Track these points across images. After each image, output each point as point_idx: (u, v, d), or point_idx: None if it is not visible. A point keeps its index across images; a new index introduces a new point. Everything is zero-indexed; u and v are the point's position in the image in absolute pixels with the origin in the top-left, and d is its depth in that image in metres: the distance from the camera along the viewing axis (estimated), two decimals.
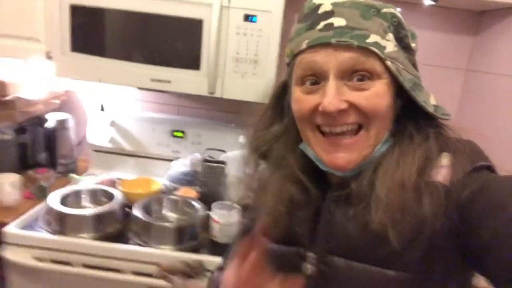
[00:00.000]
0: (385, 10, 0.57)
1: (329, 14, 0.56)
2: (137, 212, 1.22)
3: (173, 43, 1.29)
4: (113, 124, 1.64)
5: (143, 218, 1.19)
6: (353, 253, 0.57)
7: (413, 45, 0.59)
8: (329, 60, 0.54)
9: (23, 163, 1.52)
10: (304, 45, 0.56)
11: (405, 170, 0.54)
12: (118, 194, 1.32)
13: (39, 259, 1.17)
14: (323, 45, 0.54)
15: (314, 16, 0.57)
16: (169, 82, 1.32)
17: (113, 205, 1.25)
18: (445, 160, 0.55)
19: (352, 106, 0.55)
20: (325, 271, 0.60)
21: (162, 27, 1.28)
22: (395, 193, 0.53)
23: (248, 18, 1.28)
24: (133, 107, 1.74)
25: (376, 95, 0.55)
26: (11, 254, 1.18)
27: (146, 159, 1.64)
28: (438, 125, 0.59)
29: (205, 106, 1.72)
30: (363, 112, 0.55)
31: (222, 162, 1.40)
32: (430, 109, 0.56)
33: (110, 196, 1.31)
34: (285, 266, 0.63)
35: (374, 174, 0.56)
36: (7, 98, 1.46)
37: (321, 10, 0.56)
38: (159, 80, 1.32)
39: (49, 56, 1.39)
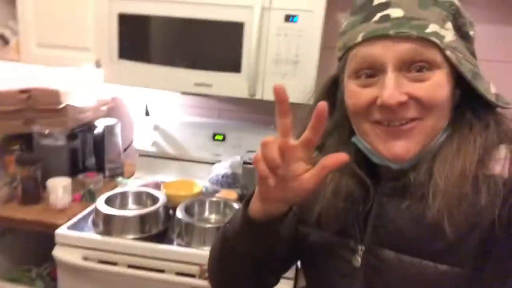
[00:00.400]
0: None
1: (385, 5, 0.54)
2: (180, 213, 1.23)
3: (214, 47, 1.31)
4: (156, 128, 1.68)
5: (186, 220, 1.20)
6: (404, 246, 0.56)
7: (471, 33, 0.57)
8: (387, 52, 0.53)
9: (74, 167, 1.59)
10: (359, 38, 0.55)
11: (466, 158, 0.52)
12: (162, 196, 1.34)
13: (87, 258, 1.21)
14: (380, 37, 0.53)
15: (368, 7, 0.56)
16: (210, 86, 1.34)
17: (157, 207, 1.27)
18: (503, 151, 0.53)
19: (412, 98, 0.53)
20: (375, 264, 0.59)
21: (204, 31, 1.30)
22: (454, 182, 0.51)
23: (289, 18, 1.27)
24: (175, 112, 1.78)
25: (436, 86, 0.53)
26: (62, 254, 1.23)
27: (188, 162, 1.66)
28: (498, 114, 0.56)
29: (245, 109, 1.72)
30: (422, 104, 0.53)
31: None
32: (492, 98, 0.55)
33: (154, 199, 1.34)
34: (336, 257, 0.63)
35: (433, 163, 0.55)
36: (60, 106, 1.54)
37: (376, 2, 0.55)
38: (201, 84, 1.34)
39: (98, 64, 1.45)
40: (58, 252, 1.23)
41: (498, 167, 0.52)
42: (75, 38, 1.48)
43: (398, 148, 0.55)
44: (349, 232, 0.62)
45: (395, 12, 0.53)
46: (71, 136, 1.59)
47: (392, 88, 0.52)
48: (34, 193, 1.40)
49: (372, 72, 0.55)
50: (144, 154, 1.71)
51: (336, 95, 0.64)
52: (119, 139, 1.68)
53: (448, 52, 0.53)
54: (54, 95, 1.54)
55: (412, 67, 0.53)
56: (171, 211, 1.31)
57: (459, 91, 0.56)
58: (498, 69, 1.51)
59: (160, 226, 1.25)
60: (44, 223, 1.32)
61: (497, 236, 0.51)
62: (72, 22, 1.46)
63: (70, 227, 1.27)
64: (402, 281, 0.56)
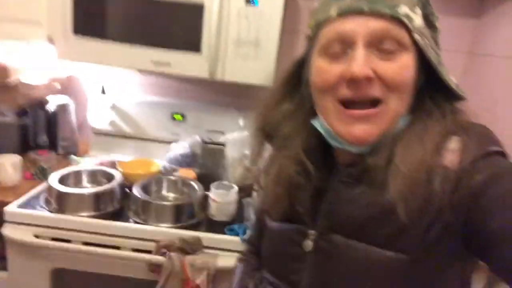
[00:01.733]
0: None
1: None
2: (136, 191, 1.23)
3: (174, 26, 1.30)
4: (113, 107, 1.64)
5: (142, 197, 1.20)
6: (354, 232, 0.57)
7: (437, 24, 0.59)
8: (359, 28, 0.53)
9: (24, 145, 1.53)
10: (333, 13, 0.55)
11: (426, 145, 0.53)
12: (117, 174, 1.33)
13: (39, 236, 1.19)
14: (354, 13, 0.54)
15: None
16: (169, 64, 1.33)
17: (113, 185, 1.26)
18: (455, 144, 0.54)
19: (378, 76, 0.54)
20: (325, 248, 0.60)
21: (163, 10, 1.28)
22: (413, 167, 0.52)
23: (249, 1, 1.28)
24: (133, 90, 1.75)
25: (403, 67, 0.54)
26: (12, 232, 1.19)
27: (146, 142, 1.65)
28: (454, 106, 0.58)
29: (205, 89, 1.73)
30: (387, 84, 0.54)
31: (221, 144, 1.41)
32: (454, 86, 0.56)
33: (109, 177, 1.32)
34: (287, 243, 0.65)
35: (393, 150, 0.55)
36: (9, 82, 1.46)
37: None
38: (159, 63, 1.32)
39: (50, 40, 1.39)
40: (8, 231, 1.19)
41: (451, 158, 0.52)
42: (25, 10, 1.40)
43: (359, 131, 0.55)
44: (301, 218, 0.64)
45: None
46: (21, 112, 1.52)
47: (361, 61, 0.52)
48: None
49: (342, 47, 0.55)
50: (100, 133, 1.67)
51: (301, 78, 0.64)
52: (72, 117, 1.63)
53: (416, 36, 0.54)
54: (2, 71, 1.47)
55: (381, 45, 0.54)
56: (127, 190, 1.30)
57: (423, 77, 0.57)
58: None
59: (115, 204, 1.24)
60: None
61: (443, 228, 0.51)
62: None
63: (20, 205, 1.23)
64: (350, 266, 0.57)
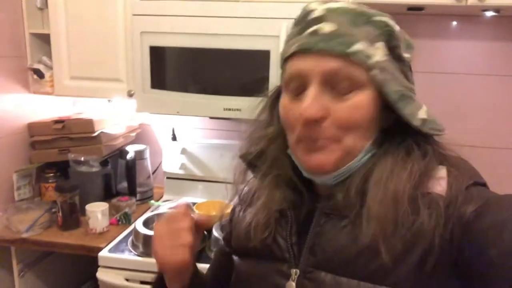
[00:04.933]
0: (377, 18, 0.54)
1: (320, 19, 0.54)
2: (216, 232, 1.29)
3: (243, 73, 1.39)
4: (184, 151, 1.75)
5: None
6: (342, 268, 0.53)
7: (406, 55, 0.56)
8: (314, 67, 0.52)
9: (107, 192, 1.66)
10: (292, 50, 0.55)
11: (400, 181, 0.51)
12: (195, 217, 1.39)
13: (129, 280, 1.27)
14: (311, 51, 0.53)
15: (306, 21, 0.55)
16: (239, 110, 1.41)
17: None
18: (442, 172, 0.53)
19: (330, 116, 0.53)
20: None
21: (233, 59, 1.38)
22: (388, 206, 0.50)
23: None
24: (202, 135, 1.85)
25: (356, 107, 0.53)
26: (106, 276, 1.29)
27: (215, 183, 1.73)
28: (435, 141, 0.57)
29: None
30: (339, 124, 0.53)
31: None
32: (416, 123, 0.54)
33: None
34: (267, 285, 0.59)
35: (364, 185, 0.54)
36: (94, 134, 1.62)
37: (313, 15, 0.55)
38: (230, 109, 1.41)
39: (130, 94, 1.53)
40: (102, 275, 1.29)
41: (437, 186, 0.51)
42: (107, 70, 1.57)
43: (315, 160, 0.55)
44: (281, 255, 0.59)
45: (327, 27, 0.52)
46: (104, 162, 1.66)
47: (310, 100, 0.52)
48: (73, 218, 1.47)
49: (301, 84, 0.54)
50: (172, 177, 1.77)
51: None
52: (148, 163, 1.75)
53: (375, 72, 0.52)
54: (88, 124, 1.63)
55: (336, 85, 0.52)
56: (205, 232, 1.36)
57: (392, 113, 0.55)
58: (503, 83, 1.59)
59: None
60: (86, 247, 1.38)
61: (436, 258, 0.49)
62: (105, 55, 1.55)
63: (111, 250, 1.33)
64: None
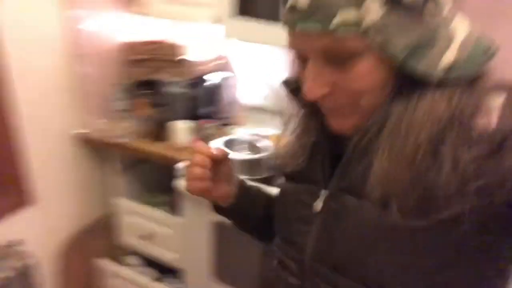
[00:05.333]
0: None
1: None
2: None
3: None
4: (267, 84, 1.77)
5: None
6: (367, 193, 0.53)
7: None
8: (304, 46, 0.51)
9: (192, 114, 1.77)
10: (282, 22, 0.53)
11: (421, 131, 0.48)
12: (270, 145, 1.44)
13: None
14: (294, 31, 0.51)
15: None
16: None
17: (266, 154, 1.38)
18: (497, 100, 0.48)
19: (337, 86, 0.51)
20: (335, 209, 0.57)
21: None
22: (404, 162, 0.49)
23: None
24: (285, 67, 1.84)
25: (360, 76, 0.49)
26: (182, 185, 1.42)
27: None
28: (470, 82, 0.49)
29: None
30: (348, 94, 0.52)
31: None
32: (438, 75, 0.47)
33: (264, 147, 1.45)
34: (297, 202, 0.64)
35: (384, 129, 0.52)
36: (182, 58, 1.70)
37: None
38: None
39: (218, 20, 1.55)
40: (178, 183, 1.42)
41: (485, 121, 0.47)
42: None
43: (336, 125, 0.57)
44: (315, 177, 0.62)
45: (301, 2, 0.47)
46: (191, 85, 1.76)
47: (311, 81, 0.51)
48: (162, 131, 1.61)
49: (302, 56, 0.53)
50: (254, 108, 1.82)
51: None
52: (232, 91, 1.81)
53: (369, 35, 0.46)
54: (172, 48, 1.71)
55: (333, 58, 0.49)
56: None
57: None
58: None
59: (270, 171, 1.36)
60: (168, 158, 1.52)
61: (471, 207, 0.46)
62: None
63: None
64: (360, 227, 0.54)
